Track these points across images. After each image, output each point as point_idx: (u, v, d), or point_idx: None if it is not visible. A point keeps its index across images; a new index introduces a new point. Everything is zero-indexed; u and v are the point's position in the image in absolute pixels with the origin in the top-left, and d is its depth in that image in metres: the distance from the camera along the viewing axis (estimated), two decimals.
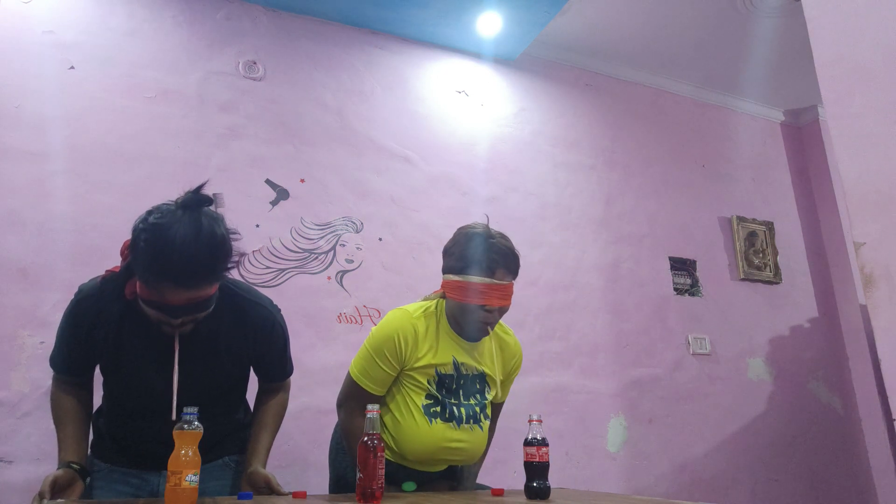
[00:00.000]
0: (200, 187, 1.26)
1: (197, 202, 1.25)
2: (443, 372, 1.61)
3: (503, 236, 1.63)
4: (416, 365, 1.59)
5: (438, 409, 1.60)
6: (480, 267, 1.56)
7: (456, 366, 1.63)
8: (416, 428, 1.58)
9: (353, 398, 1.60)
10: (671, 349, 3.27)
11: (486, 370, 1.69)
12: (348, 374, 1.63)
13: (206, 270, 1.24)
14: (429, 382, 1.60)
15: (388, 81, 3.02)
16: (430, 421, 1.58)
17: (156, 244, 1.19)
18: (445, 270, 1.64)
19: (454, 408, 1.61)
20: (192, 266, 1.21)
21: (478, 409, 1.65)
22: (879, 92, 1.28)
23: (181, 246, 1.18)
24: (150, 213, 1.25)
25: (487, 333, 1.64)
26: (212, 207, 1.28)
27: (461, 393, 1.63)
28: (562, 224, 3.21)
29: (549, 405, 2.86)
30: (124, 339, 1.37)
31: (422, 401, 1.59)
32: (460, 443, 1.61)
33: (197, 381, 1.35)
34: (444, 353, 1.61)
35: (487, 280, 1.56)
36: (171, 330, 1.31)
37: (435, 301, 1.68)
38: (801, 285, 3.84)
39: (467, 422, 1.62)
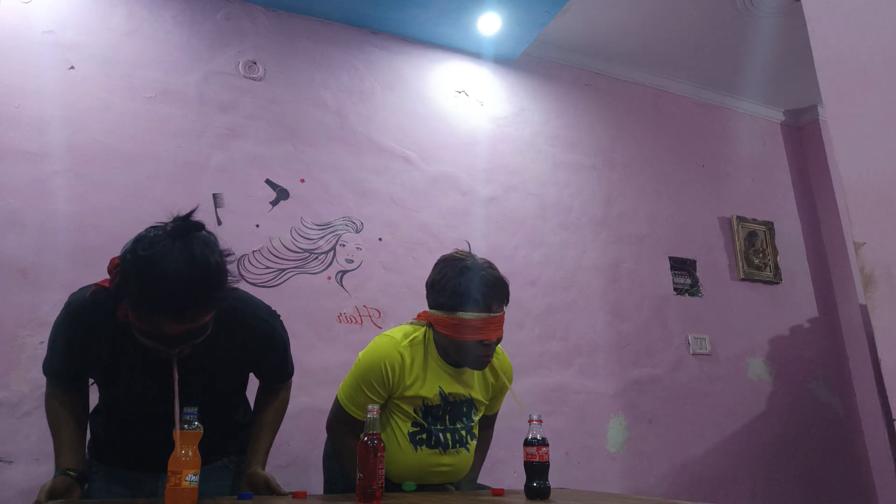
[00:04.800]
0: (190, 213, 1.20)
1: (187, 229, 1.18)
2: (430, 404, 1.60)
3: (490, 265, 1.59)
4: (404, 395, 1.57)
5: (424, 436, 1.59)
6: (476, 303, 1.51)
7: (443, 396, 1.61)
8: (401, 454, 1.57)
9: (341, 423, 1.60)
10: (671, 349, 3.27)
11: (474, 395, 1.67)
12: (336, 399, 1.62)
13: (201, 302, 1.19)
14: (415, 411, 1.59)
15: (388, 81, 3.01)
16: (416, 448, 1.58)
17: (147, 279, 1.13)
18: (434, 306, 1.59)
19: (440, 434, 1.60)
20: (186, 300, 1.16)
21: (464, 432, 1.65)
22: (879, 92, 1.28)
23: (174, 280, 1.13)
24: (137, 241, 1.17)
25: (487, 365, 1.61)
26: (202, 230, 1.21)
27: (447, 419, 1.62)
28: (562, 224, 3.21)
29: (549, 405, 2.86)
30: (119, 355, 1.34)
31: (408, 428, 1.59)
32: (445, 467, 1.61)
33: (195, 391, 1.33)
34: (431, 384, 1.59)
35: (484, 315, 1.52)
36: (168, 356, 1.26)
37: (423, 329, 1.64)
38: (801, 285, 3.83)
39: (453, 447, 1.61)
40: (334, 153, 2.78)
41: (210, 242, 1.21)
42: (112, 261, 1.25)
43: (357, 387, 1.56)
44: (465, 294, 1.52)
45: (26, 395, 2.04)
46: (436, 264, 1.63)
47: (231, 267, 1.24)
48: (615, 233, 3.34)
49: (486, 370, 1.70)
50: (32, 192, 2.21)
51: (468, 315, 1.51)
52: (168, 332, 1.19)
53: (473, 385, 1.67)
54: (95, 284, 1.35)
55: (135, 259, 1.15)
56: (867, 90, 1.30)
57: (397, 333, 1.62)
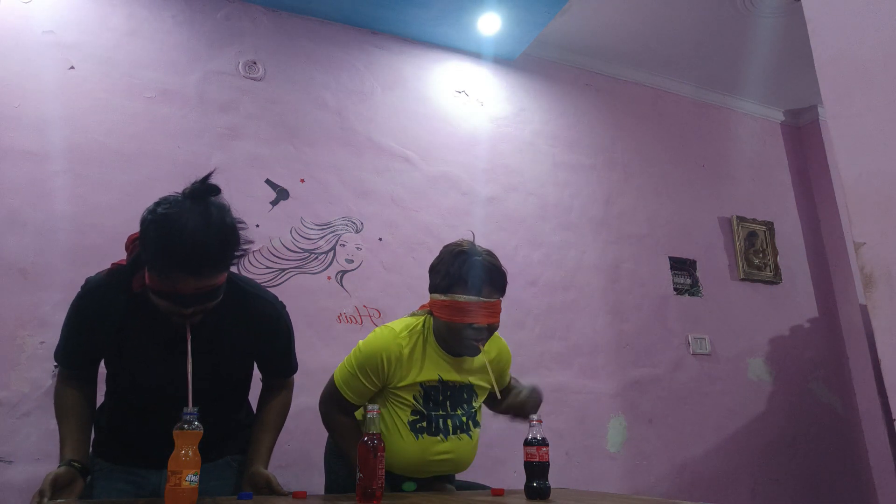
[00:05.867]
0: (207, 177, 1.27)
1: (204, 192, 1.25)
2: (428, 386, 1.60)
3: (490, 253, 1.62)
4: (400, 384, 1.58)
5: (424, 423, 1.60)
6: (467, 285, 1.54)
7: (442, 381, 1.62)
8: (402, 443, 1.58)
9: (333, 401, 1.63)
10: (671, 349, 3.27)
11: (474, 381, 1.68)
12: (332, 378, 1.64)
13: (216, 258, 1.25)
14: (414, 399, 1.60)
15: (388, 81, 3.01)
16: (417, 436, 1.58)
17: (166, 234, 1.20)
18: (432, 289, 1.63)
19: (441, 420, 1.61)
20: (202, 254, 1.22)
21: (465, 418, 1.65)
22: (879, 92, 1.28)
23: (191, 235, 1.19)
24: (158, 203, 1.25)
25: (479, 351, 1.61)
26: (218, 196, 1.29)
27: (448, 404, 1.63)
28: (562, 224, 3.21)
29: (549, 405, 2.85)
30: (130, 332, 1.38)
31: (407, 417, 1.59)
32: (447, 454, 1.61)
33: (202, 376, 1.35)
34: (428, 371, 1.61)
35: (474, 298, 1.54)
36: (182, 320, 1.31)
37: (422, 318, 1.67)
38: (801, 285, 3.83)
39: (454, 432, 1.62)
40: (334, 153, 2.78)
41: (225, 207, 1.29)
42: (130, 237, 1.33)
43: (353, 373, 1.59)
44: (457, 276, 1.55)
45: (26, 395, 2.04)
46: (440, 252, 1.67)
47: (243, 234, 1.31)
48: (615, 233, 3.34)
49: (485, 355, 1.69)
50: (32, 192, 2.22)
51: (460, 297, 1.54)
52: (183, 289, 1.24)
53: (473, 371, 1.68)
54: (112, 264, 1.40)
55: (154, 217, 1.22)
56: (867, 90, 1.30)
57: (398, 325, 1.64)
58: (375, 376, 1.58)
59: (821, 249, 3.97)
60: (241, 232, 1.30)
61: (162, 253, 1.21)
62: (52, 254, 2.18)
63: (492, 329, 1.60)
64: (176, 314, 1.29)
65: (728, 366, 3.41)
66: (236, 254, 1.30)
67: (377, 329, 1.65)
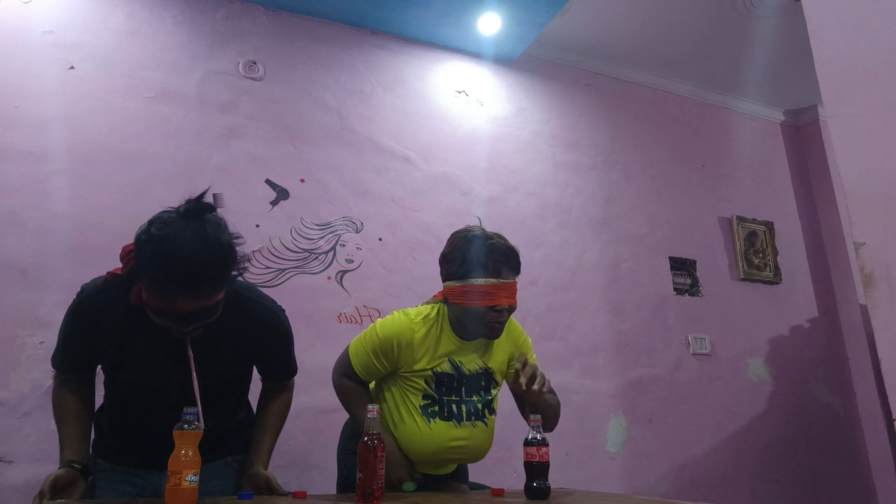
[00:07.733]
0: (202, 195, 1.25)
1: (199, 210, 1.23)
2: (440, 371, 1.61)
3: (500, 236, 1.63)
4: (412, 369, 1.60)
5: (436, 408, 1.60)
6: (485, 269, 1.56)
7: (455, 366, 1.62)
8: (416, 429, 1.59)
9: (344, 370, 1.66)
10: (671, 349, 3.27)
11: (491, 364, 1.68)
12: (347, 348, 1.67)
13: (214, 279, 1.24)
14: (426, 383, 1.60)
15: (388, 81, 3.01)
16: (429, 421, 1.59)
17: (162, 256, 1.17)
18: (447, 277, 1.63)
19: (454, 405, 1.61)
20: (200, 276, 1.20)
21: (480, 405, 1.65)
22: (879, 92, 1.28)
23: (188, 257, 1.17)
24: (151, 223, 1.22)
25: (501, 333, 1.63)
26: (214, 213, 1.27)
27: (463, 391, 1.63)
28: (562, 224, 3.21)
29: None
30: (130, 339, 1.37)
31: (419, 401, 1.60)
32: (462, 441, 1.61)
33: (201, 379, 1.35)
34: (441, 357, 1.61)
35: (493, 281, 1.56)
36: (181, 336, 1.30)
37: (436, 307, 1.67)
38: (801, 285, 3.83)
39: (468, 419, 1.62)
40: (334, 153, 2.78)
41: (221, 224, 1.27)
42: (124, 248, 1.30)
43: (366, 351, 1.61)
44: (474, 261, 1.57)
45: (26, 395, 2.04)
46: (448, 239, 1.68)
47: (240, 249, 1.29)
48: (615, 233, 3.34)
49: (503, 340, 1.71)
50: (32, 192, 2.21)
51: (479, 281, 1.56)
52: (181, 309, 1.22)
53: (489, 356, 1.68)
54: (108, 273, 1.38)
55: (150, 238, 1.19)
56: (867, 90, 1.30)
57: (412, 311, 1.66)
58: (386, 359, 1.60)
59: (821, 249, 3.97)
60: (238, 248, 1.28)
61: (159, 275, 1.19)
62: (52, 254, 2.18)
63: (511, 310, 1.61)
64: (175, 331, 1.28)
65: (728, 366, 3.41)
66: (234, 272, 1.29)
67: (394, 313, 1.66)
